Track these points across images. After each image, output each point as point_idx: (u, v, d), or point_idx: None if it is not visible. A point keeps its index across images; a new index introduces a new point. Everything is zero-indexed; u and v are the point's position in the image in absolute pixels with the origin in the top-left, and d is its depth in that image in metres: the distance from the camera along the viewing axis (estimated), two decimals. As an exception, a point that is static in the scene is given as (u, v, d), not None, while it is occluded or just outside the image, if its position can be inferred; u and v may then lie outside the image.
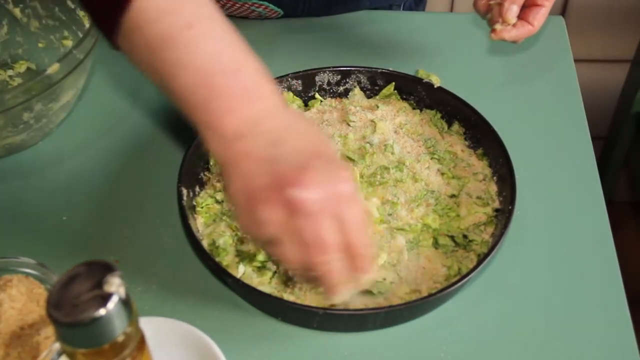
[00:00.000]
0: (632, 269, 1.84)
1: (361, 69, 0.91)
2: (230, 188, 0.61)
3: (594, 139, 0.92)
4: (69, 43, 0.96)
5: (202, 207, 0.80)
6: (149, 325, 0.58)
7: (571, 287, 0.77)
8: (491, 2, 0.83)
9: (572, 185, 0.86)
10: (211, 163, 0.84)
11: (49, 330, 0.67)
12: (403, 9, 1.13)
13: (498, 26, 0.81)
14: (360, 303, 0.72)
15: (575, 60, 1.02)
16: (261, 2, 1.01)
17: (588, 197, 0.85)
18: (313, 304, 0.72)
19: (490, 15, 0.83)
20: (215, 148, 0.62)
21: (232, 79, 0.61)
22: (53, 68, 0.81)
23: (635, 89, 1.72)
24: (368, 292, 0.73)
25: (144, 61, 0.63)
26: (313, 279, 0.62)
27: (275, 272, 0.74)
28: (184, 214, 0.76)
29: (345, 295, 0.65)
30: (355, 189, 0.61)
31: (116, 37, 0.63)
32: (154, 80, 0.64)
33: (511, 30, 0.81)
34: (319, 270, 0.61)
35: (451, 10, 1.73)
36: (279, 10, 1.03)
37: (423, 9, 1.19)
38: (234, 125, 0.61)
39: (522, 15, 0.82)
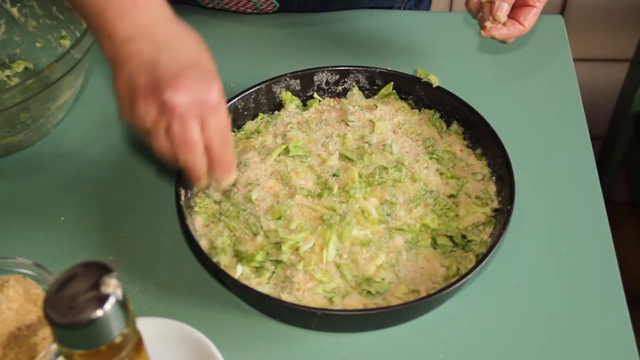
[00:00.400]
0: (631, 270, 1.84)
1: (360, 68, 0.91)
2: (115, 83, 0.70)
3: (592, 138, 0.92)
4: (66, 42, 0.96)
5: (200, 207, 0.80)
6: (146, 325, 0.58)
7: (570, 288, 0.77)
8: (482, 1, 0.83)
9: (571, 185, 0.86)
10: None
11: (47, 331, 0.67)
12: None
13: (488, 23, 0.81)
14: (359, 303, 0.72)
15: (575, 60, 1.02)
16: None
17: (587, 197, 0.85)
18: (311, 305, 0.71)
19: (481, 14, 0.83)
20: (107, 50, 0.70)
21: None
22: (51, 68, 0.81)
23: (634, 88, 1.72)
24: (367, 293, 0.73)
25: None
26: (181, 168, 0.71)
27: (273, 273, 0.74)
28: (182, 214, 0.76)
29: (203, 185, 0.72)
30: (221, 100, 0.69)
31: None
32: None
33: (501, 28, 0.81)
34: (183, 163, 0.69)
35: (450, 9, 1.73)
36: (274, 1, 1.03)
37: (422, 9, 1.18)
38: (123, 29, 0.69)
39: (512, 15, 0.82)
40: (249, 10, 1.04)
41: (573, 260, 0.79)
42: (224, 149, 0.70)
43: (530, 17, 0.81)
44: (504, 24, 0.81)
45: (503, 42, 0.84)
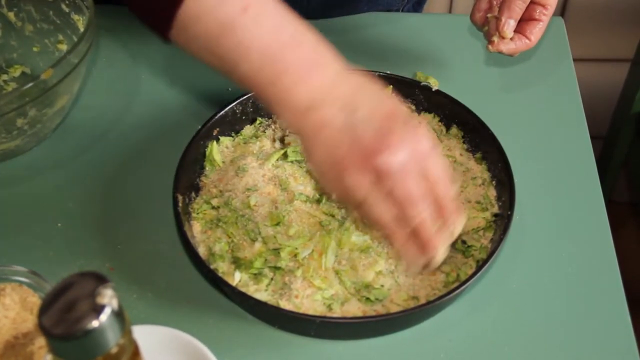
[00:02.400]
0: (632, 270, 1.84)
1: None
2: (313, 158, 0.65)
3: (593, 138, 0.92)
4: (63, 47, 0.96)
5: (198, 214, 0.79)
6: (143, 333, 0.58)
7: (571, 292, 0.76)
8: (488, 15, 0.83)
9: (571, 187, 0.86)
10: (207, 168, 0.84)
11: (43, 340, 0.67)
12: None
13: (495, 38, 0.82)
14: (358, 310, 0.72)
15: (575, 60, 1.02)
16: None
17: (588, 200, 0.85)
18: (310, 312, 0.71)
19: (486, 27, 0.83)
20: (290, 121, 0.65)
21: (295, 52, 0.63)
22: (47, 73, 0.81)
23: (635, 88, 1.72)
24: (366, 299, 0.72)
25: (204, 50, 0.65)
26: (404, 237, 0.65)
27: (272, 279, 0.74)
28: (180, 220, 0.75)
29: (440, 252, 0.66)
30: (433, 143, 0.64)
31: (169, 32, 0.65)
32: (216, 68, 0.66)
33: (508, 43, 0.81)
34: (411, 223, 0.63)
35: (450, 11, 1.73)
36: None
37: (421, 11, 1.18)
38: (304, 96, 0.63)
39: (519, 29, 0.82)
40: None
41: (574, 264, 0.78)
42: (451, 195, 0.65)
43: (536, 31, 0.81)
44: (511, 38, 0.81)
45: (510, 55, 0.84)
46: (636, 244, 1.94)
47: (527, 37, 0.81)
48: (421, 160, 0.62)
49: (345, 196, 0.64)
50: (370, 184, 0.62)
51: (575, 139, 0.91)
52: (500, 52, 0.82)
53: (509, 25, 0.80)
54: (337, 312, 0.72)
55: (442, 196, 0.64)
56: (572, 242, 0.80)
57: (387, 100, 0.65)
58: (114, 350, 0.46)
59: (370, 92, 0.65)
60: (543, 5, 0.80)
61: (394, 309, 0.72)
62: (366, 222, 0.75)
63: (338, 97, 0.63)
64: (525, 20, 0.82)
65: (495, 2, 0.83)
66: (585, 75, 1.65)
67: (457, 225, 0.67)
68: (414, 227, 0.64)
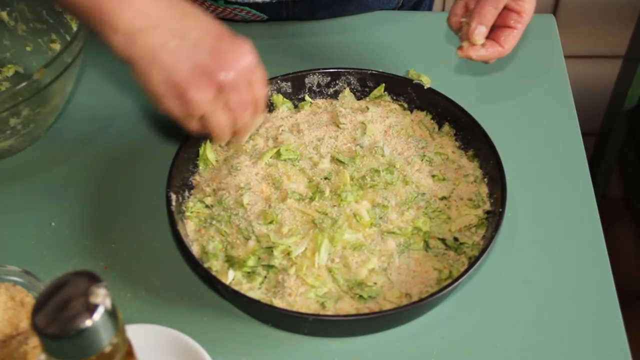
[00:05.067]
0: (625, 265, 1.85)
1: (351, 70, 0.90)
2: (148, 81, 0.69)
3: (586, 135, 0.92)
4: (57, 46, 0.96)
5: (191, 212, 0.80)
6: (137, 332, 0.58)
7: (563, 288, 0.77)
8: (462, 20, 0.82)
9: (563, 184, 0.86)
10: (200, 167, 0.84)
11: (37, 340, 0.67)
12: None
13: (465, 44, 0.81)
14: (351, 308, 0.72)
15: (567, 57, 1.02)
16: (243, 7, 1.00)
17: (579, 196, 0.85)
18: (303, 310, 0.71)
19: (461, 33, 0.83)
20: (118, 45, 0.67)
21: None
22: (40, 72, 0.81)
23: (627, 85, 1.72)
24: (359, 297, 0.73)
25: None
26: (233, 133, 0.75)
27: (265, 278, 0.74)
28: (173, 219, 0.75)
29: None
30: (255, 56, 0.71)
31: None
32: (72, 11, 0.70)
33: (479, 49, 0.81)
34: (239, 123, 0.73)
35: (443, 9, 1.73)
36: (262, 15, 1.02)
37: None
38: (129, 18, 0.66)
39: (492, 36, 0.81)
40: (238, 19, 1.04)
41: (565, 260, 0.79)
42: (263, 94, 0.75)
43: (510, 38, 0.80)
44: (483, 45, 0.80)
45: (484, 62, 0.83)
46: (630, 239, 1.95)
47: (499, 44, 0.80)
48: (249, 73, 0.71)
49: (187, 112, 0.70)
50: (212, 97, 0.69)
51: (566, 136, 0.91)
52: (469, 58, 0.81)
53: (479, 31, 0.80)
54: (331, 309, 0.72)
55: (261, 98, 0.74)
56: (563, 238, 0.81)
57: (212, 24, 0.70)
58: (108, 349, 0.46)
59: (196, 17, 0.70)
60: (518, 13, 0.80)
61: (387, 306, 0.72)
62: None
63: (167, 23, 0.67)
64: (499, 27, 0.81)
65: (470, 7, 0.82)
66: (577, 72, 1.66)
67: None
68: (239, 127, 0.74)
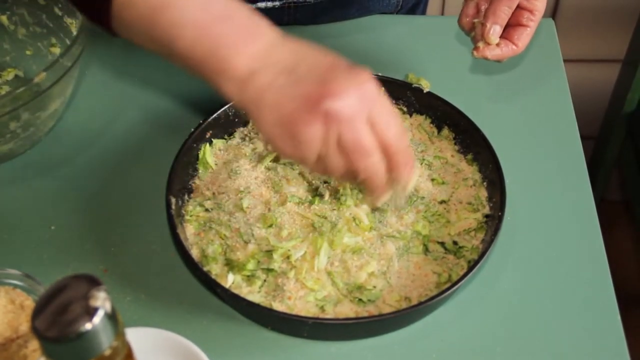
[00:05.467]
0: (624, 268, 1.85)
1: None
2: (262, 124, 0.64)
3: (585, 138, 0.92)
4: (56, 50, 0.96)
5: (191, 216, 0.80)
6: (137, 336, 0.58)
7: (562, 292, 0.77)
8: (475, 21, 0.83)
9: (562, 188, 0.86)
10: (200, 171, 0.84)
11: (37, 343, 0.67)
12: None
13: (481, 44, 0.81)
14: (350, 311, 0.72)
15: (566, 61, 1.02)
16: None
17: (578, 200, 0.85)
18: (303, 313, 0.71)
19: (473, 33, 0.83)
20: (232, 92, 0.64)
21: (227, 24, 0.64)
22: (40, 76, 0.81)
23: (626, 89, 1.73)
24: (358, 300, 0.73)
25: (141, 33, 0.66)
26: (359, 183, 0.67)
27: (264, 281, 0.74)
28: (173, 223, 0.75)
29: (387, 196, 0.69)
30: (379, 87, 0.63)
31: (110, 22, 0.66)
32: (155, 50, 0.66)
33: (494, 49, 0.81)
34: (363, 174, 0.64)
35: (442, 13, 1.73)
36: None
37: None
38: (243, 64, 0.63)
39: (506, 35, 0.81)
40: None
41: (564, 264, 0.79)
42: (402, 140, 0.65)
43: (524, 37, 0.81)
44: (497, 44, 0.81)
45: (497, 61, 0.83)
46: (629, 242, 1.95)
47: (514, 43, 0.81)
48: (368, 103, 0.62)
49: (301, 154, 0.64)
50: (323, 134, 0.61)
51: (565, 140, 0.91)
52: (485, 58, 0.82)
53: (494, 31, 0.80)
54: (330, 313, 0.72)
55: (392, 143, 0.64)
56: (562, 242, 0.81)
57: (326, 55, 0.64)
58: (107, 352, 0.46)
59: (310, 52, 0.64)
60: (530, 11, 0.80)
61: (386, 309, 0.72)
62: (321, 177, 0.78)
63: (276, 60, 0.63)
64: (512, 26, 0.81)
65: (482, 7, 0.82)
66: (576, 76, 1.66)
67: (409, 178, 0.68)
68: (364, 178, 0.65)
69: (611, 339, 0.73)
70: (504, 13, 0.80)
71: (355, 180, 0.66)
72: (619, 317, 0.75)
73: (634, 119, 1.75)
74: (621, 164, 1.86)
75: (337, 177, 0.67)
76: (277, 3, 1.00)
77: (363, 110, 0.62)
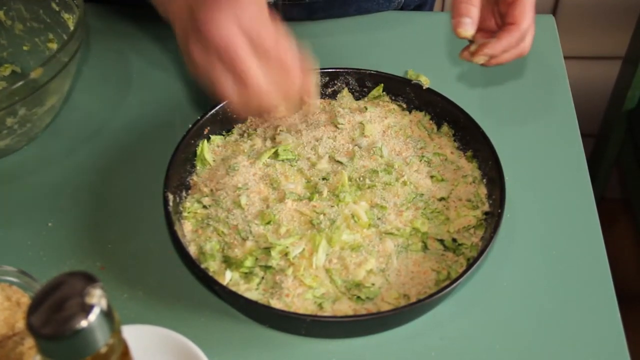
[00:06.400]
0: (624, 266, 1.85)
1: (349, 70, 0.90)
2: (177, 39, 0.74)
3: (585, 136, 0.92)
4: (54, 46, 0.95)
5: (188, 213, 0.79)
6: (134, 333, 0.58)
7: (561, 290, 0.76)
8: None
9: (562, 185, 0.86)
10: (198, 167, 0.84)
11: (33, 340, 0.66)
12: None
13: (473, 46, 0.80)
14: (349, 309, 0.72)
15: (567, 58, 1.02)
16: None
17: (578, 197, 0.85)
18: (301, 311, 0.71)
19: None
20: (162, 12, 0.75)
21: None
22: (37, 72, 0.80)
23: (626, 86, 1.72)
24: (357, 298, 0.72)
25: None
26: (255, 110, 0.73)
27: (262, 278, 0.73)
28: (170, 220, 0.75)
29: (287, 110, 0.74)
30: (261, 9, 0.71)
31: None
32: None
33: (495, 43, 0.79)
34: (255, 92, 0.71)
35: (442, 9, 1.73)
36: None
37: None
38: None
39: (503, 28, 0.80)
40: None
41: (564, 261, 0.79)
42: (283, 50, 0.71)
43: (517, 14, 0.78)
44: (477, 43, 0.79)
45: (491, 63, 0.81)
46: (628, 240, 1.95)
47: (512, 24, 0.78)
48: (248, 24, 0.69)
49: (194, 69, 0.72)
50: (205, 57, 0.69)
51: (566, 137, 0.91)
52: (486, 56, 0.80)
53: (464, 23, 0.79)
54: (328, 310, 0.71)
55: (280, 54, 0.70)
56: (562, 239, 0.80)
57: None
58: (103, 350, 0.46)
59: None
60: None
61: (385, 307, 0.72)
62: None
63: None
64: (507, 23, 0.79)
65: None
66: (576, 73, 1.66)
67: (301, 84, 0.72)
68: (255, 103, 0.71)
69: (611, 336, 0.73)
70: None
71: (251, 105, 0.71)
72: (618, 315, 0.74)
73: (634, 116, 1.75)
74: (621, 162, 1.86)
75: (234, 106, 0.72)
76: (271, 0, 1.00)
77: (240, 31, 0.69)
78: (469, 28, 0.79)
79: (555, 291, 0.76)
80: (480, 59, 0.80)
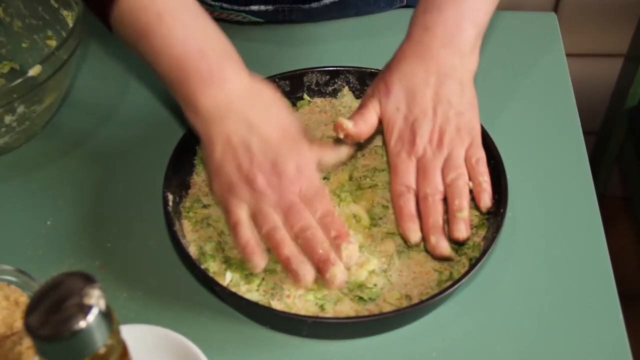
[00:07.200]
0: (625, 264, 1.85)
1: (350, 68, 0.89)
2: (207, 163, 0.74)
3: (586, 134, 0.91)
4: (53, 43, 0.95)
5: (188, 212, 0.79)
6: (133, 333, 0.57)
7: (563, 288, 0.76)
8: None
9: (564, 183, 0.85)
10: (198, 167, 0.83)
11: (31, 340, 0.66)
12: None
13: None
14: (351, 310, 0.71)
15: (568, 55, 1.01)
16: (239, 12, 0.99)
17: (580, 196, 0.84)
18: (302, 312, 0.70)
19: None
20: (194, 123, 0.74)
21: (200, 63, 0.72)
22: (36, 69, 0.80)
23: (628, 84, 1.72)
24: (358, 299, 0.72)
25: (132, 48, 0.75)
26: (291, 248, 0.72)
27: (263, 279, 0.73)
28: (170, 220, 0.74)
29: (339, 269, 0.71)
30: (312, 181, 0.73)
31: (112, 29, 0.76)
32: (145, 63, 0.76)
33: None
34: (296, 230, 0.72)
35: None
36: (258, 19, 1.01)
37: None
38: (207, 105, 0.72)
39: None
40: (234, 21, 1.03)
41: (565, 260, 0.78)
42: (328, 217, 0.72)
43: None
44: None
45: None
46: (629, 238, 1.95)
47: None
48: (297, 184, 0.72)
49: (226, 209, 0.74)
50: (246, 203, 0.72)
51: (567, 135, 0.91)
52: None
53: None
54: (330, 311, 0.71)
55: (329, 220, 0.71)
56: (563, 238, 0.80)
57: (279, 124, 0.73)
58: (102, 350, 0.45)
59: (264, 116, 0.73)
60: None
61: (387, 308, 0.71)
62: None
63: (238, 112, 0.72)
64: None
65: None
66: (578, 71, 1.65)
67: (348, 252, 0.71)
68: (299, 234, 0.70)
69: (612, 335, 0.72)
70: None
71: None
72: (620, 313, 0.74)
73: (636, 114, 1.74)
74: (622, 160, 1.86)
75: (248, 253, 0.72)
76: (270, 7, 0.99)
77: (289, 190, 0.71)
78: (417, 233, 0.75)
79: (557, 290, 0.76)
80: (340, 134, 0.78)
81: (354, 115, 0.78)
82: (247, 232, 0.71)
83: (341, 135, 0.77)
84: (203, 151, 0.75)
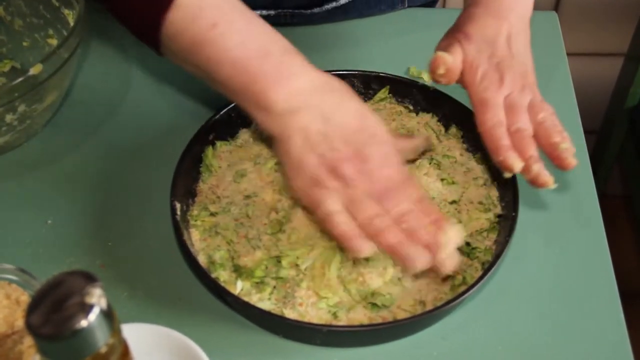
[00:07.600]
0: (625, 263, 1.85)
1: (354, 72, 0.88)
2: (286, 160, 0.71)
3: (587, 133, 0.91)
4: (54, 42, 0.95)
5: (196, 221, 0.77)
6: (134, 332, 0.57)
7: (564, 288, 0.76)
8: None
9: (564, 183, 0.84)
10: (204, 174, 0.81)
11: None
12: None
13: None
14: (364, 317, 0.70)
15: (569, 54, 1.01)
16: None
17: (581, 195, 0.84)
18: (315, 320, 0.69)
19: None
20: (267, 122, 0.71)
21: (263, 62, 0.70)
22: (37, 68, 0.80)
23: (628, 83, 1.72)
24: (372, 305, 0.71)
25: (185, 63, 0.73)
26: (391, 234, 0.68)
27: (274, 288, 0.71)
28: (179, 229, 0.73)
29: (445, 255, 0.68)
30: (399, 166, 0.70)
31: (160, 49, 0.73)
32: (200, 76, 0.73)
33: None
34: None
35: (444, 6, 1.72)
36: None
37: None
38: (279, 102, 0.69)
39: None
40: None
41: (566, 260, 0.78)
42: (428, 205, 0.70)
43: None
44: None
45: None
46: (629, 237, 1.95)
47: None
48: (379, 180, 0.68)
49: (311, 203, 0.70)
50: (333, 194, 0.68)
51: (568, 134, 0.90)
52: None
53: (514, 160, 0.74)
54: (343, 319, 0.70)
55: (425, 204, 0.69)
56: (564, 237, 0.80)
57: (356, 113, 0.71)
58: (103, 350, 0.45)
59: (339, 106, 0.71)
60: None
61: (401, 314, 0.70)
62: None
63: (313, 105, 0.69)
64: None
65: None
66: (578, 70, 1.65)
67: (452, 233, 0.68)
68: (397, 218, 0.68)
69: (613, 333, 0.72)
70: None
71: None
72: (621, 311, 0.74)
73: (636, 113, 1.75)
74: (622, 159, 1.86)
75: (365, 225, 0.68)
76: (272, 12, 0.99)
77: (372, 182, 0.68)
78: (520, 162, 0.74)
79: (557, 288, 0.75)
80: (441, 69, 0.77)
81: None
82: (344, 220, 0.68)
83: (442, 70, 0.76)
84: (278, 150, 0.71)
